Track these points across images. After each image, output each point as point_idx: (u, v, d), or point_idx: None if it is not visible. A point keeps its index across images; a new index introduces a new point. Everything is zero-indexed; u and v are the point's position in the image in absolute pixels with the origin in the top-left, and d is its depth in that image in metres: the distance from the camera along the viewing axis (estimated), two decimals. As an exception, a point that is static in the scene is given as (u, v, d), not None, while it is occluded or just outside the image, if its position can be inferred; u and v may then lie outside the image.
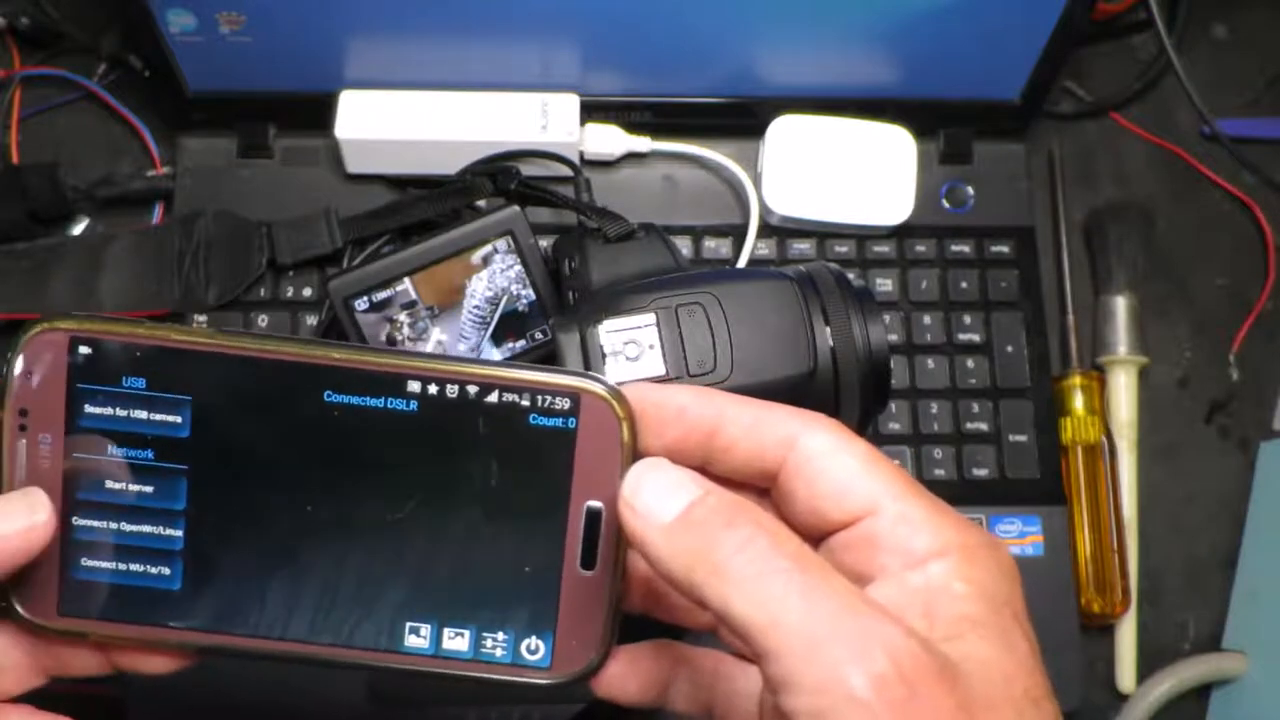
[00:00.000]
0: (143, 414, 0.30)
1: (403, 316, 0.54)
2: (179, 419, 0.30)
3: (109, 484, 0.30)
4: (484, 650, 0.31)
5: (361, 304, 0.54)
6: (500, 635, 0.31)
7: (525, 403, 0.30)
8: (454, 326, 0.55)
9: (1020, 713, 0.25)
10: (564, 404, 0.30)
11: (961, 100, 0.62)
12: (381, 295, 0.54)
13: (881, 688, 0.23)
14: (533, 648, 0.31)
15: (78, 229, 0.62)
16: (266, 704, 0.54)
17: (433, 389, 0.30)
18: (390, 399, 0.30)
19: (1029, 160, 0.65)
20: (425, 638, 0.31)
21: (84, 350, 0.30)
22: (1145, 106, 0.68)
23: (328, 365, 0.30)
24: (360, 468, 0.30)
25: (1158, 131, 0.67)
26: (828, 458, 0.28)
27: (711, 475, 0.28)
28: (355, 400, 0.30)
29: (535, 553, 0.31)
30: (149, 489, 0.30)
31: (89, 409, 0.30)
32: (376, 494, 0.31)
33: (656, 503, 0.27)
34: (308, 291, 0.60)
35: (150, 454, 0.30)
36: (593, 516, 0.30)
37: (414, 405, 0.30)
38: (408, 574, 0.31)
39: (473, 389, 0.30)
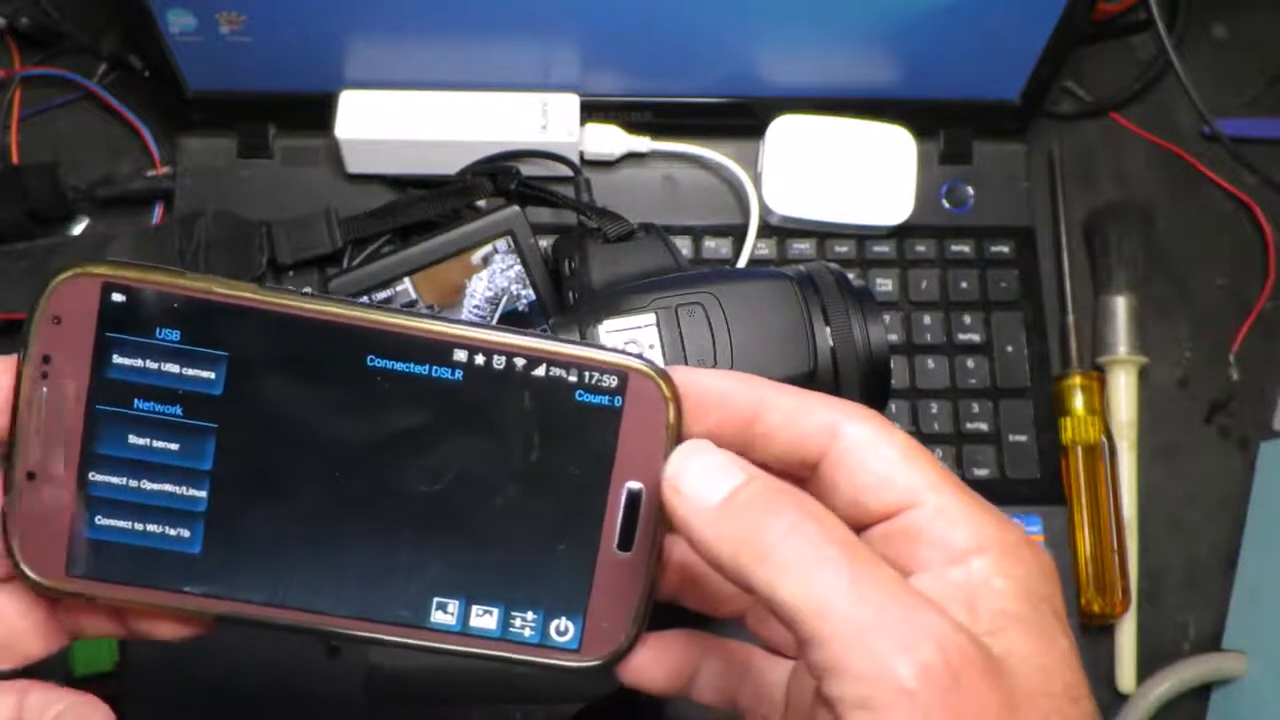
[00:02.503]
0: (174, 368, 0.29)
1: (403, 316, 0.54)
2: (212, 375, 0.29)
3: (132, 439, 0.29)
4: (512, 629, 0.30)
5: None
6: (530, 615, 0.30)
7: (572, 378, 0.29)
8: (454, 326, 0.55)
9: (1059, 709, 0.25)
10: (611, 382, 0.29)
11: (961, 100, 0.62)
12: (381, 295, 0.54)
13: (928, 678, 0.23)
14: (562, 629, 0.30)
15: (78, 229, 0.62)
16: (265, 703, 0.54)
17: (479, 359, 0.29)
18: (435, 367, 0.29)
19: (1029, 160, 0.65)
20: (453, 614, 0.30)
21: (116, 298, 0.29)
22: (1145, 106, 0.68)
23: (373, 328, 0.29)
24: (398, 436, 0.29)
25: (1158, 131, 0.67)
26: (869, 449, 0.28)
27: (749, 462, 0.28)
28: (399, 366, 0.29)
29: (572, 532, 0.30)
30: (174, 446, 0.29)
31: (117, 359, 0.29)
32: (413, 464, 0.30)
33: (702, 485, 0.26)
34: (307, 291, 0.60)
35: (179, 410, 0.29)
36: (633, 498, 0.30)
37: (459, 374, 0.29)
38: (440, 548, 0.30)
39: (520, 361, 0.29)
